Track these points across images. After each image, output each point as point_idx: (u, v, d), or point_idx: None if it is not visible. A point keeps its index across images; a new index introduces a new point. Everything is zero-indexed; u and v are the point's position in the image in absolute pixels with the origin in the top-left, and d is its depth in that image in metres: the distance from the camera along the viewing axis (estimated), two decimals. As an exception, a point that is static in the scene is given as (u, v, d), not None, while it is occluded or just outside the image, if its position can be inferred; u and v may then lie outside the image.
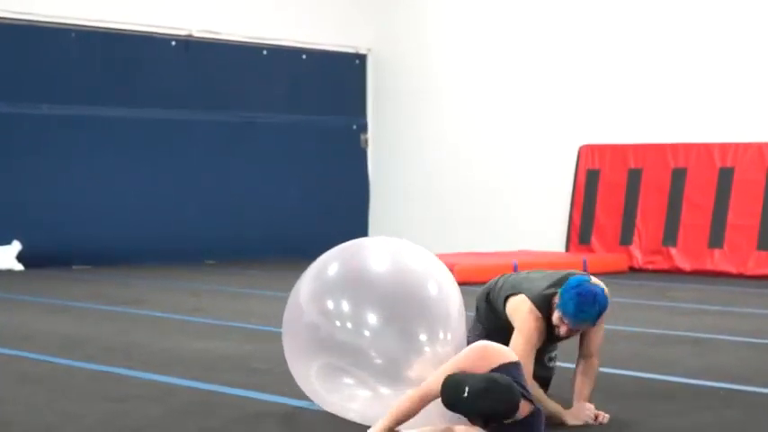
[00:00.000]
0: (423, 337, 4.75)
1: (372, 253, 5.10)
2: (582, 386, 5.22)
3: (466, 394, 4.14)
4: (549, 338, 5.21)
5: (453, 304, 4.97)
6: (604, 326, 5.28)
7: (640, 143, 14.61)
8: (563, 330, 5.07)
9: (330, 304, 4.87)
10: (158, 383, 5.99)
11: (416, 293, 4.88)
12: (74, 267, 14.16)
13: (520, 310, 5.19)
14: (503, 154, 15.98)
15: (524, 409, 4.24)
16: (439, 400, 4.29)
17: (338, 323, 4.80)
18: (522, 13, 15.86)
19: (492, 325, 5.40)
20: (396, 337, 4.72)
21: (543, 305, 5.15)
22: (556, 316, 5.09)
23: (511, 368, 4.32)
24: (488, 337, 4.99)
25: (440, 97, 16.76)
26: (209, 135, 15.79)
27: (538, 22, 15.70)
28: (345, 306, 4.83)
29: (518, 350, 5.02)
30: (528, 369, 4.96)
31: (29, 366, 6.57)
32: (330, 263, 5.07)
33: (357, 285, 4.88)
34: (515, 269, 12.82)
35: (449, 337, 4.84)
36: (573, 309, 4.98)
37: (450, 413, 4.38)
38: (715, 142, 13.96)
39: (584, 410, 5.12)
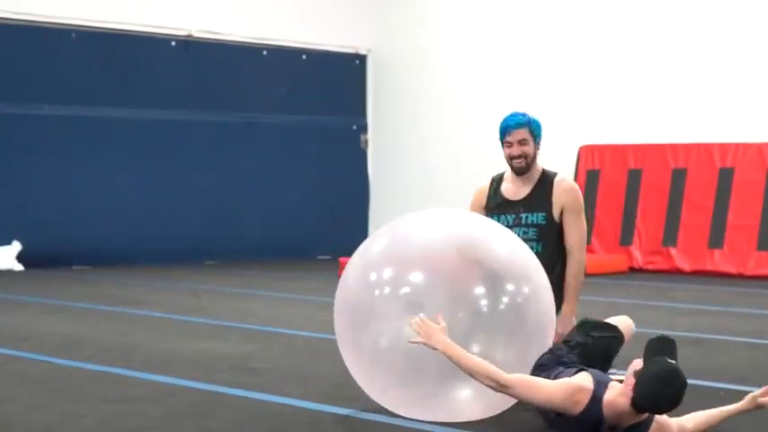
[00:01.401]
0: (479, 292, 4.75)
1: (421, 223, 5.09)
2: (567, 289, 5.64)
3: (672, 371, 4.29)
4: (497, 199, 5.88)
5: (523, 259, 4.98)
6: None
7: (640, 143, 14.61)
8: (514, 150, 5.86)
9: (373, 276, 4.85)
10: (157, 384, 5.98)
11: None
12: (74, 268, 14.16)
13: None
14: (503, 154, 15.94)
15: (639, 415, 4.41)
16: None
17: (377, 292, 4.79)
18: (521, 14, 15.86)
19: None
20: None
21: (496, 176, 6.07)
22: (504, 147, 5.91)
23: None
24: None
25: (440, 97, 16.76)
26: (209, 135, 15.79)
27: (538, 22, 15.70)
28: (391, 274, 4.81)
29: None
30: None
31: (28, 366, 6.57)
32: (375, 240, 5.07)
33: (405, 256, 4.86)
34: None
35: (525, 290, 4.84)
36: (503, 121, 5.88)
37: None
38: (715, 142, 13.96)
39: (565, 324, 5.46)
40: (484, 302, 4.72)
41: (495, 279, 4.77)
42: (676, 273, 13.82)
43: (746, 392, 5.84)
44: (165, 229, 15.21)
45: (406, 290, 4.77)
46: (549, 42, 15.58)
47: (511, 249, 4.98)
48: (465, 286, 4.75)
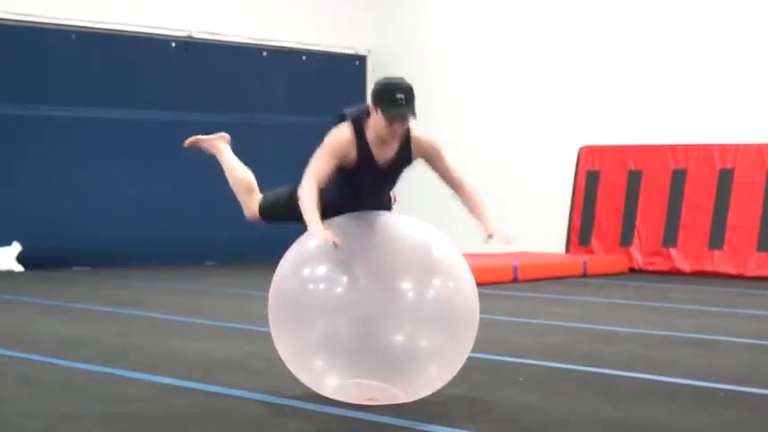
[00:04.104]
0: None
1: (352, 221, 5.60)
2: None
3: None
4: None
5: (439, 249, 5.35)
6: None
7: (640, 144, 14.61)
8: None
9: (307, 270, 5.21)
10: (158, 385, 5.98)
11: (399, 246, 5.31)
12: (74, 268, 14.15)
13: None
14: (503, 155, 15.97)
15: None
16: None
17: (311, 286, 5.14)
18: (522, 15, 15.87)
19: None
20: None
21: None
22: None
23: None
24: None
25: (439, 98, 16.75)
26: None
27: (538, 23, 15.71)
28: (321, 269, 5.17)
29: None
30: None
31: (28, 367, 6.57)
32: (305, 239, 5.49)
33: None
34: (515, 271, 12.83)
35: (450, 284, 5.19)
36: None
37: None
38: (715, 143, 13.96)
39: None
40: (411, 295, 5.09)
41: (424, 275, 5.16)
42: (676, 274, 13.83)
43: (747, 394, 5.86)
44: (165, 229, 15.20)
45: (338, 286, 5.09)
46: (549, 43, 15.58)
47: (439, 249, 5.37)
48: (397, 281, 5.11)
